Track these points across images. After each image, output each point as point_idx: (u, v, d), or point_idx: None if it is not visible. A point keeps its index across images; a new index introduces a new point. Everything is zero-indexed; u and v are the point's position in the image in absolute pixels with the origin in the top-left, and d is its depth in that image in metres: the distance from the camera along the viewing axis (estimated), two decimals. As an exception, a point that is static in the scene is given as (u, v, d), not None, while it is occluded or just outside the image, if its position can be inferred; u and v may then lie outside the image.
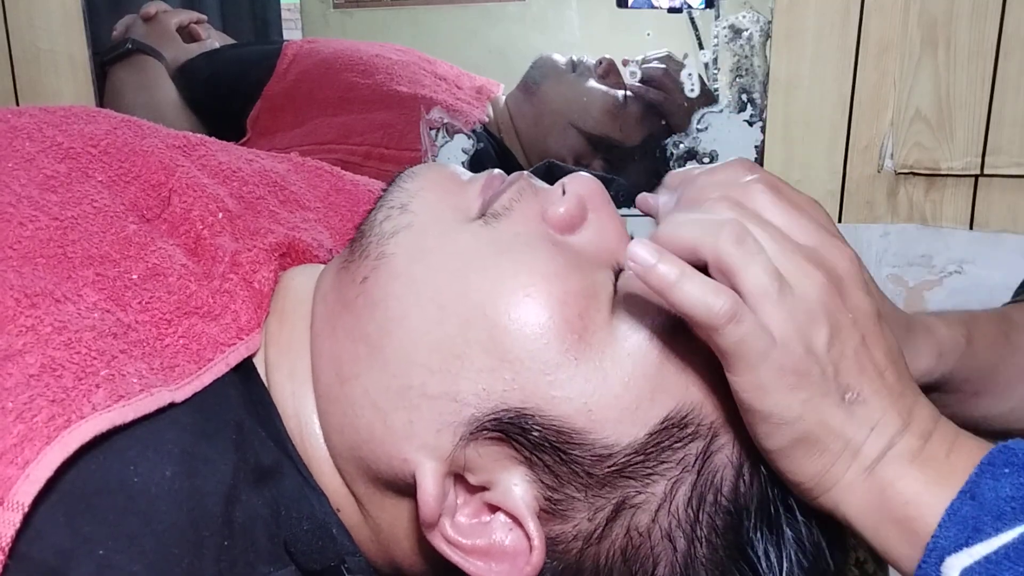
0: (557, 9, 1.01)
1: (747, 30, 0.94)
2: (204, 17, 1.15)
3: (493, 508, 0.43)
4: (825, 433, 0.38)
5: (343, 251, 0.48)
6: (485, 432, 0.41)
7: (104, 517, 0.35)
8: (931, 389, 0.51)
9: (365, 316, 0.43)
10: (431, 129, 1.02)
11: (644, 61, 0.99)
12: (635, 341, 0.41)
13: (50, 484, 0.34)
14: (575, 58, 1.02)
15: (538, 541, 0.41)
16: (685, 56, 0.97)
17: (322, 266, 0.51)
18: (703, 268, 0.38)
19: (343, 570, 0.44)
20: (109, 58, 1.11)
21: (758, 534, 0.42)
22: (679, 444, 0.41)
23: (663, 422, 0.41)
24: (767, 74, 0.94)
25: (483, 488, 0.43)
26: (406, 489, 0.43)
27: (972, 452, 0.37)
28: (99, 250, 0.45)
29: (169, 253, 0.47)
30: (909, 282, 0.95)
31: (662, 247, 0.37)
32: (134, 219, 0.48)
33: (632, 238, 0.43)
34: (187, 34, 1.13)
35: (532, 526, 0.41)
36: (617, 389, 0.40)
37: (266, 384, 0.46)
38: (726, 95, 0.96)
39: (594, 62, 1.01)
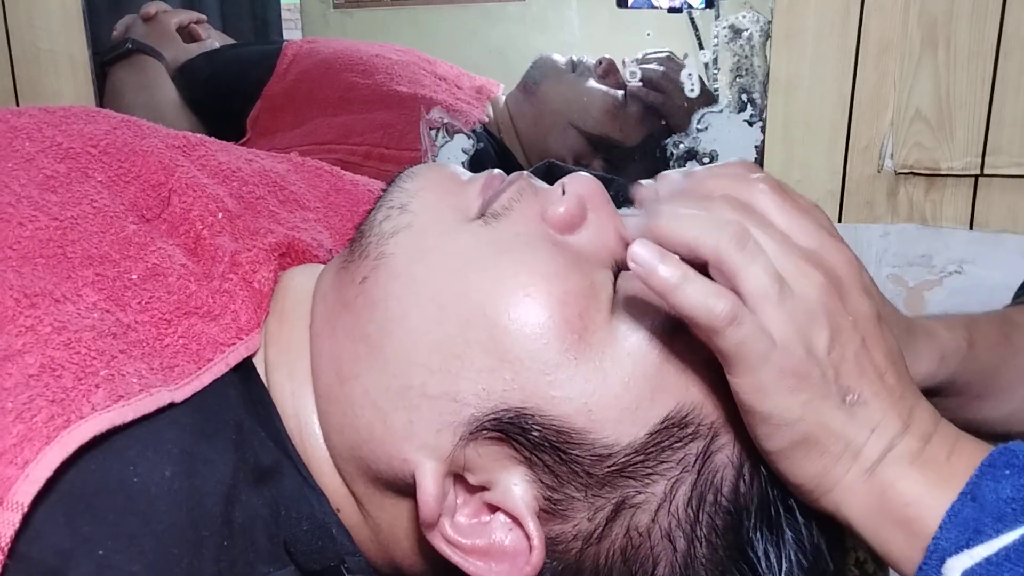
0: (557, 9, 1.01)
1: (747, 30, 0.94)
2: (204, 17, 1.15)
3: (493, 508, 0.43)
4: (825, 435, 0.37)
5: (343, 251, 0.48)
6: (485, 432, 0.41)
7: (104, 517, 0.35)
8: (933, 393, 0.51)
9: (365, 316, 0.43)
10: (431, 129, 1.02)
11: (643, 60, 0.99)
12: (635, 341, 0.41)
13: (49, 484, 0.34)
14: (575, 58, 1.02)
15: (538, 541, 0.41)
16: (685, 56, 0.96)
17: (322, 266, 0.51)
18: (700, 265, 0.37)
19: (343, 570, 0.44)
20: (109, 58, 1.11)
21: (758, 534, 0.42)
22: (679, 444, 0.41)
23: (663, 422, 0.41)
24: (767, 74, 0.94)
25: (483, 488, 0.43)
26: (406, 489, 0.43)
27: (972, 454, 0.37)
28: (99, 250, 0.45)
29: (169, 253, 0.47)
30: (909, 282, 0.95)
31: (662, 247, 0.37)
32: (134, 219, 0.48)
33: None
34: (187, 34, 1.13)
35: (532, 526, 0.41)
36: (617, 389, 0.40)
37: (266, 384, 0.46)
38: (726, 95, 0.96)
39: (594, 62, 1.01)
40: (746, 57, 0.94)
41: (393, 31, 1.09)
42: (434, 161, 1.02)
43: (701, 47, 0.96)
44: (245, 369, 0.45)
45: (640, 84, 0.98)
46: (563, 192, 0.45)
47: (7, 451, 0.34)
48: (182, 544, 0.37)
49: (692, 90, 0.96)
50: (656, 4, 0.96)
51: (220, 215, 0.51)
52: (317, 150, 1.01)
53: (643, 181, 0.44)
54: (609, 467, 0.41)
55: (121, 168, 0.50)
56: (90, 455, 0.36)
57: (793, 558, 0.41)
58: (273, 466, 0.43)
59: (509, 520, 0.42)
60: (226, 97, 1.11)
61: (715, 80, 0.96)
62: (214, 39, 1.15)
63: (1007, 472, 0.36)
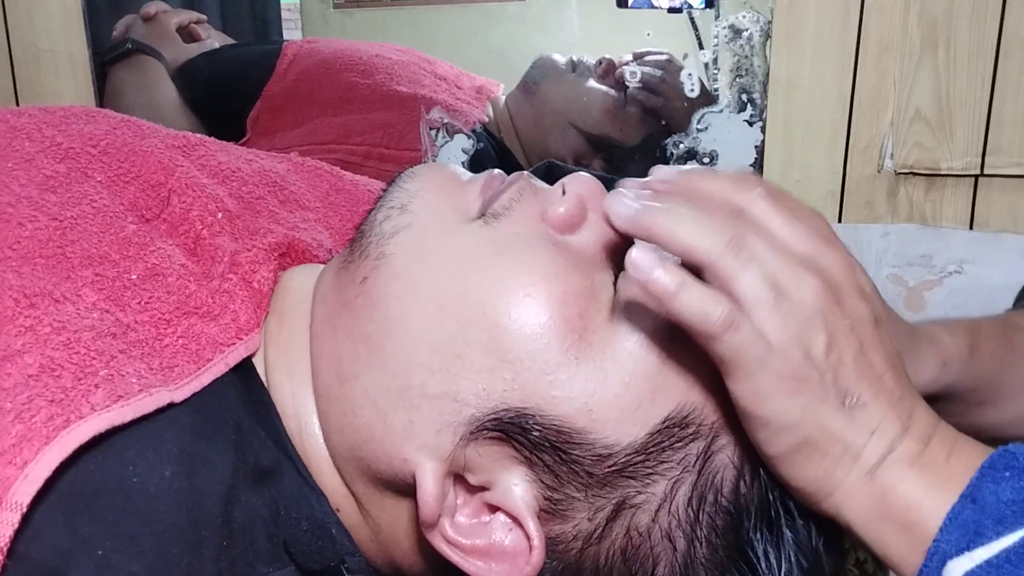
0: (557, 9, 1.01)
1: (747, 30, 0.94)
2: (204, 17, 1.15)
3: (493, 508, 0.43)
4: (825, 438, 0.37)
5: (343, 251, 0.48)
6: (485, 432, 0.41)
7: (103, 517, 0.35)
8: (935, 399, 0.50)
9: (365, 316, 0.43)
10: (431, 129, 1.02)
11: (640, 60, 0.99)
12: (636, 340, 0.41)
13: (49, 484, 0.34)
14: (575, 58, 1.02)
15: (538, 541, 0.41)
16: (685, 56, 0.96)
17: (322, 266, 0.51)
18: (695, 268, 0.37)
19: (343, 570, 0.44)
20: (109, 58, 1.11)
21: (758, 535, 0.42)
22: (680, 444, 0.41)
23: (664, 422, 0.41)
24: (767, 74, 0.94)
25: (483, 488, 0.43)
26: (406, 489, 0.43)
27: (972, 456, 0.37)
28: (98, 250, 0.45)
29: (168, 253, 0.47)
30: (909, 282, 0.95)
31: (660, 253, 0.37)
32: (133, 219, 0.48)
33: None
34: (187, 34, 1.13)
35: (532, 526, 0.41)
36: (618, 389, 0.40)
37: (265, 384, 0.46)
38: (726, 95, 0.95)
39: (594, 62, 1.01)
40: (746, 57, 0.94)
41: (393, 31, 1.09)
42: (434, 161, 1.02)
43: (701, 47, 0.96)
44: (245, 369, 0.45)
45: (639, 86, 0.98)
46: (563, 192, 0.45)
47: (6, 451, 0.34)
48: (182, 544, 0.37)
49: (692, 90, 0.96)
50: (656, 4, 0.96)
51: (220, 215, 0.51)
52: (317, 150, 1.01)
53: (635, 179, 0.43)
54: (609, 467, 0.41)
55: (121, 168, 0.50)
56: (89, 455, 0.36)
57: (793, 559, 0.41)
58: (273, 466, 0.43)
59: (509, 520, 0.42)
60: (226, 97, 1.11)
61: (715, 80, 0.96)
62: (214, 39, 1.15)
63: (1007, 474, 0.36)
